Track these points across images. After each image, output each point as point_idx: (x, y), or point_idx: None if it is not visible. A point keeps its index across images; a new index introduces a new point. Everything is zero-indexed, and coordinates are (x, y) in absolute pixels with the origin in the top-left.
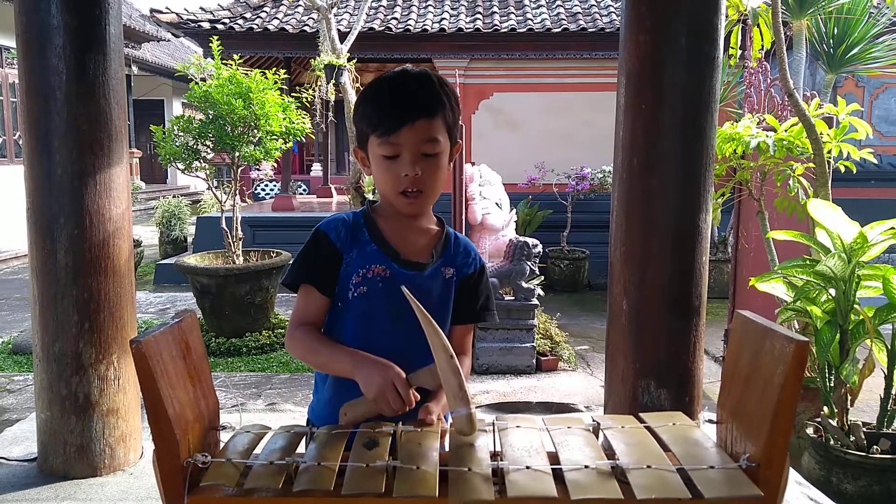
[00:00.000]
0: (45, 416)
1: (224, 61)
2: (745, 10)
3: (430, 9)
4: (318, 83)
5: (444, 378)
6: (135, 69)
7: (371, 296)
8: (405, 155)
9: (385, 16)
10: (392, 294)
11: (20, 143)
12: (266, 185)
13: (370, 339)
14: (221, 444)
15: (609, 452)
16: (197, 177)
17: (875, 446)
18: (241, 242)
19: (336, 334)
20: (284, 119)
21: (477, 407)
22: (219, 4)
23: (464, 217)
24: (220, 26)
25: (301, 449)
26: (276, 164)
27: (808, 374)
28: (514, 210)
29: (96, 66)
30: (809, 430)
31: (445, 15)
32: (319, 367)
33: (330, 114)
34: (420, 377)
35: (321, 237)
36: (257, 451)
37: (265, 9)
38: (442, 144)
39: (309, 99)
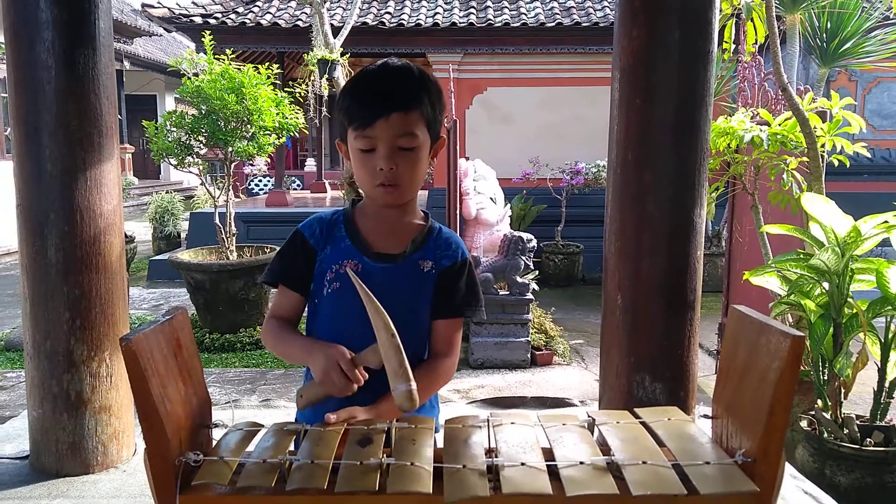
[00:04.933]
0: (36, 413)
1: (216, 56)
2: (739, 4)
3: (424, 3)
4: (312, 78)
5: (385, 356)
6: (127, 64)
7: (344, 291)
8: (381, 148)
9: (378, 10)
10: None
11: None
12: (260, 181)
13: (344, 333)
14: (214, 442)
15: (604, 448)
16: (190, 172)
17: (868, 439)
18: (234, 238)
19: (314, 330)
20: (278, 114)
21: (471, 402)
22: None
23: (458, 212)
24: (212, 21)
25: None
26: (269, 160)
27: (802, 368)
28: (509, 205)
29: (86, 61)
30: (803, 423)
31: (439, 9)
32: (284, 357)
33: (323, 109)
34: (365, 357)
35: (297, 236)
36: (250, 448)
37: (258, 3)
38: (419, 139)
39: (302, 94)
